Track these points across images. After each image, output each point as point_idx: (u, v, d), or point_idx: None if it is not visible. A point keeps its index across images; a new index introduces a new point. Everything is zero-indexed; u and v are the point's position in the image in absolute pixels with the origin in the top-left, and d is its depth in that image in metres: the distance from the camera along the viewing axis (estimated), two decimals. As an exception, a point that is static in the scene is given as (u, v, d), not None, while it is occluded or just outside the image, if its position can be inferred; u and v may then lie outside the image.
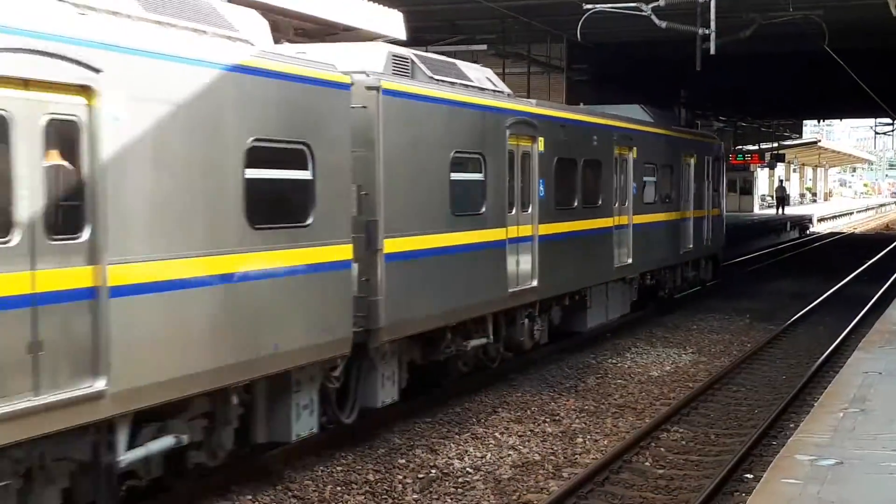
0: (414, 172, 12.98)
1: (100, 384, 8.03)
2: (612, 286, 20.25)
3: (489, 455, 12.34)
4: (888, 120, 60.44)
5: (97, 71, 8.03)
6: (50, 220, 7.69)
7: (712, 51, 21.31)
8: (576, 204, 18.07)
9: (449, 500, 10.73)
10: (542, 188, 16.49)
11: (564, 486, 10.88)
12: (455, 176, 13.93)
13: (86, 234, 8.01)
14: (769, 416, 13.92)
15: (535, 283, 16.23)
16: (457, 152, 13.98)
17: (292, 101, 10.47)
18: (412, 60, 13.54)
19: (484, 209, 14.68)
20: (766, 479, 8.78)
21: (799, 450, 9.50)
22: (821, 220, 64.77)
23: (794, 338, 21.44)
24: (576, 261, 17.95)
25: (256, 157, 9.91)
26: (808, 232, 57.55)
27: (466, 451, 12.45)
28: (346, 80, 11.36)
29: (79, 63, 7.88)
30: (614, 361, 18.43)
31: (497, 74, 26.73)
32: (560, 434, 13.38)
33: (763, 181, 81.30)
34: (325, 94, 11.01)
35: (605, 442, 13.06)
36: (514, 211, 15.61)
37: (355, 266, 11.66)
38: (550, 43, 28.73)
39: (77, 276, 7.93)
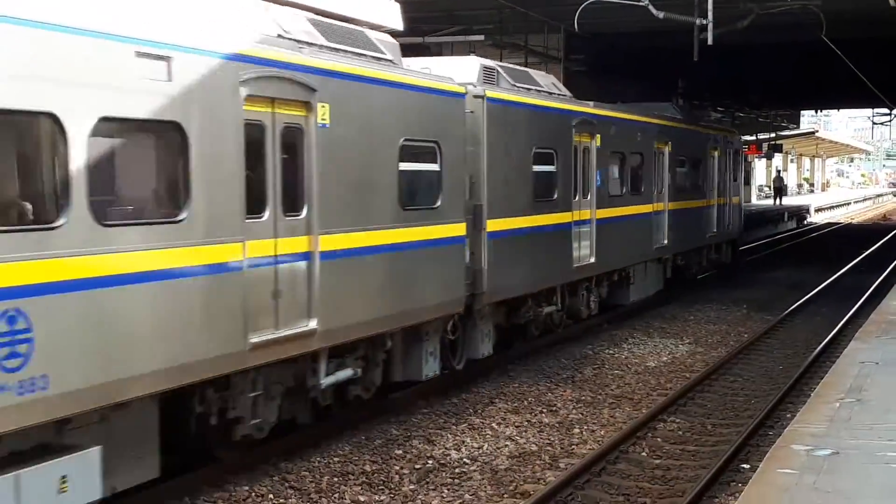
0: (507, 165, 15.73)
1: (312, 324, 10.92)
2: (650, 265, 23.02)
3: (486, 446, 12.36)
4: (886, 110, 60.39)
5: (313, 91, 10.96)
6: (286, 202, 10.58)
7: (710, 41, 21.28)
8: (623, 192, 20.80)
9: (446, 491, 10.74)
10: (598, 178, 19.22)
11: (561, 476, 10.89)
12: (535, 168, 16.73)
13: (304, 213, 10.92)
14: (766, 407, 13.95)
15: (593, 259, 18.96)
16: (537, 148, 16.78)
17: (427, 107, 13.38)
18: (497, 71, 16.27)
19: (556, 196, 17.48)
20: (763, 469, 8.80)
21: (795, 440, 9.52)
22: (818, 210, 64.80)
23: (791, 328, 21.46)
24: (623, 242, 20.62)
25: (405, 153, 12.80)
26: (805, 222, 57.56)
27: (463, 442, 12.47)
28: (462, 90, 14.34)
29: (303, 85, 10.81)
30: (611, 352, 18.45)
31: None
32: (557, 424, 13.39)
33: (760, 171, 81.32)
34: (448, 102, 13.99)
35: (602, 432, 13.08)
36: (577, 197, 18.35)
37: (467, 241, 14.50)
38: (548, 33, 28.66)
39: (300, 243, 10.86)
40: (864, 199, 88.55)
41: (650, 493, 10.79)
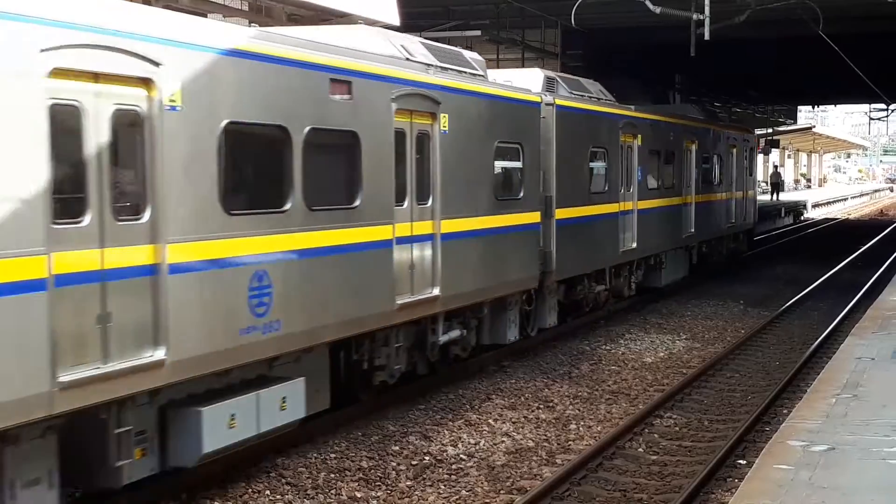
0: (570, 162, 18.21)
1: (435, 291, 13.45)
2: (679, 252, 25.39)
3: (483, 442, 12.36)
4: (882, 105, 60.40)
5: (438, 103, 13.39)
6: (420, 192, 13.14)
7: (706, 36, 21.28)
8: (659, 186, 23.12)
9: (442, 487, 10.74)
10: (639, 174, 21.49)
11: (558, 472, 10.90)
12: (591, 164, 19.30)
13: (430, 202, 13.36)
14: (762, 402, 13.95)
15: (634, 245, 21.26)
16: (592, 147, 19.24)
17: (513, 114, 15.87)
18: (556, 80, 18.74)
19: (606, 189, 19.93)
20: (759, 464, 8.80)
21: (791, 435, 9.52)
22: (815, 205, 64.84)
23: (788, 324, 21.47)
24: (659, 230, 23.09)
25: (498, 153, 15.31)
26: (802, 218, 57.60)
27: (460, 438, 12.46)
28: (538, 99, 16.98)
29: (431, 99, 13.25)
30: (608, 348, 18.45)
31: (491, 61, 26.69)
32: (554, 420, 13.40)
33: (758, 167, 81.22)
34: (528, 109, 16.56)
35: (599, 428, 13.08)
36: (622, 190, 20.66)
37: (540, 228, 16.89)
38: (545, 28, 28.64)
39: (427, 226, 13.40)
40: (861, 195, 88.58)
41: (647, 489, 10.79)
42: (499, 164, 15.45)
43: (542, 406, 14.12)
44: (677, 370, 16.75)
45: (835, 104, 74.58)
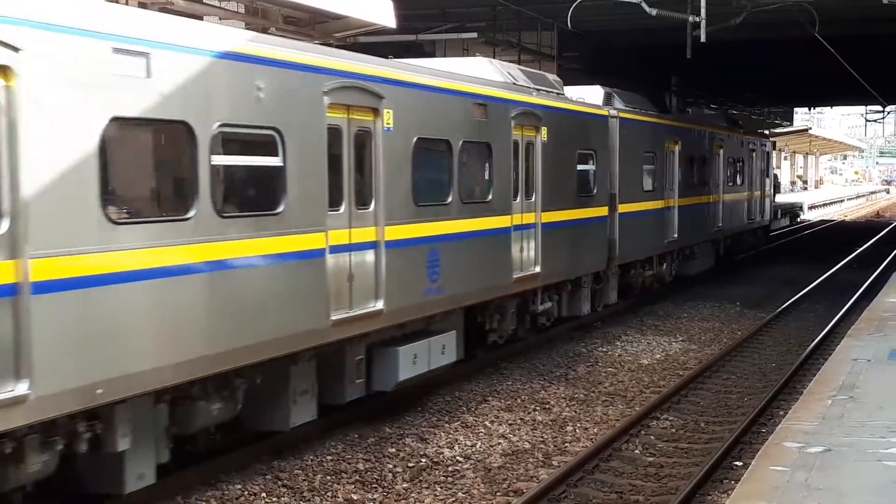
0: (629, 165, 21.40)
1: (537, 269, 16.64)
2: (707, 245, 28.55)
3: (479, 444, 12.35)
4: (879, 107, 60.49)
5: (539, 118, 16.62)
6: (527, 191, 16.39)
7: (703, 38, 21.28)
8: (694, 185, 26.36)
9: (439, 489, 10.74)
10: (679, 175, 24.79)
11: (554, 474, 10.89)
12: (645, 167, 22.57)
13: (534, 197, 16.75)
14: (759, 404, 13.96)
15: (675, 236, 24.56)
16: (644, 152, 22.57)
17: (589, 126, 19.23)
18: (613, 94, 21.76)
19: (654, 188, 23.11)
20: (755, 466, 8.80)
21: (787, 437, 9.53)
22: (812, 207, 64.87)
23: (784, 325, 21.48)
24: (693, 224, 26.10)
25: (579, 158, 18.62)
26: (799, 219, 57.64)
27: (456, 440, 12.46)
28: (607, 112, 20.45)
29: (536, 116, 16.51)
30: (605, 350, 18.45)
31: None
32: (550, 422, 13.40)
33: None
34: (599, 121, 19.96)
35: (595, 430, 13.08)
36: (666, 190, 23.98)
37: (608, 220, 20.12)
38: (541, 31, 28.64)
39: (532, 217, 16.61)
40: (858, 196, 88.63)
41: (643, 491, 10.79)
42: (580, 167, 18.80)
43: (538, 408, 14.12)
44: (674, 372, 16.75)
45: (831, 106, 74.69)
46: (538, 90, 17.21)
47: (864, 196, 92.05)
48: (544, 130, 16.95)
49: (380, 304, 12.18)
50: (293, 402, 11.29)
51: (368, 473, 11.13)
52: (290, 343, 10.68)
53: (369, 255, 12.11)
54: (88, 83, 8.28)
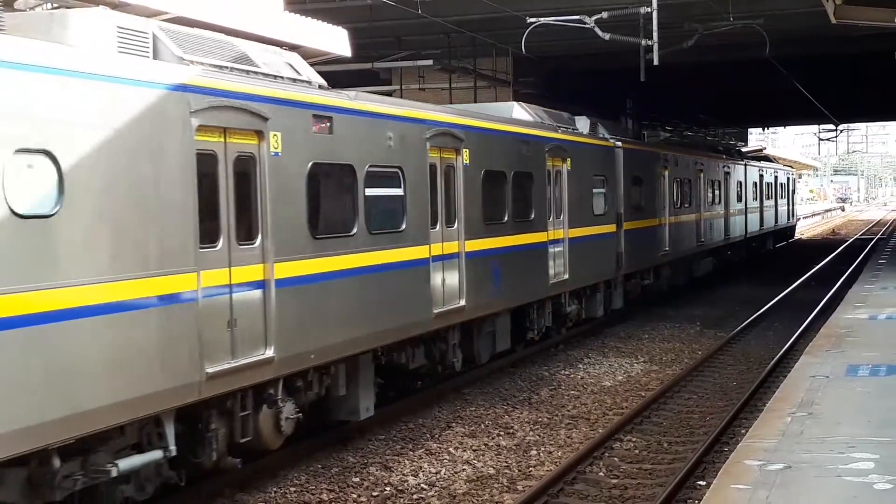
0: (632, 187, 24.71)
1: (566, 276, 20.05)
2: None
3: (444, 470, 12.34)
4: (831, 126, 61.24)
5: (565, 151, 20.28)
6: (555, 211, 19.81)
7: (655, 61, 21.50)
8: (680, 205, 29.25)
9: (404, 517, 10.70)
10: (668, 196, 27.88)
11: (519, 498, 10.89)
12: (642, 190, 25.63)
13: (563, 217, 20.12)
14: (720, 423, 14.04)
15: (667, 249, 27.74)
16: (641, 177, 25.60)
17: (602, 155, 22.92)
18: (598, 124, 24.23)
19: (649, 208, 26.22)
20: (716, 485, 8.85)
21: (748, 455, 9.58)
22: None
23: (744, 344, 21.65)
24: (680, 239, 29.19)
25: (594, 182, 22.14)
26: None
27: (421, 468, 12.43)
28: (613, 144, 23.67)
29: (563, 149, 20.06)
30: (567, 373, 18.50)
31: (444, 90, 26.84)
32: (514, 447, 13.40)
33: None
34: (609, 151, 23.49)
35: (559, 453, 13.10)
36: (658, 209, 27.13)
37: (615, 236, 23.26)
38: (496, 57, 28.83)
39: (560, 233, 19.98)
40: (813, 215, 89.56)
41: (608, 513, 10.81)
42: (595, 191, 22.08)
43: (502, 433, 14.13)
44: (636, 393, 16.82)
45: (784, 126, 75.46)
46: (559, 127, 20.69)
47: (819, 214, 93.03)
48: (569, 161, 20.40)
49: (461, 302, 15.92)
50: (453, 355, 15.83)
51: (333, 504, 11.08)
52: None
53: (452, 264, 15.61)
54: (301, 140, 11.69)
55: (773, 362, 18.33)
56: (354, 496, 11.34)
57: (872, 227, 75.13)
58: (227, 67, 10.83)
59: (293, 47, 13.22)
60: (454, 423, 14.57)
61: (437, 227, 14.90)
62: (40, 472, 8.45)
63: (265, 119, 10.89)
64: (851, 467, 9.07)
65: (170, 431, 9.62)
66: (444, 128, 15.13)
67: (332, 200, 12.47)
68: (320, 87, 12.55)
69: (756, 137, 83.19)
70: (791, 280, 33.02)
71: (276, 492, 11.39)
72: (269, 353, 10.79)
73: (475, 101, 26.53)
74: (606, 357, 20.12)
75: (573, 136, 21.08)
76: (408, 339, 14.17)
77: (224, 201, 10.31)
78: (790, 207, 52.27)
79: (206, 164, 10.08)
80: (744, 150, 49.44)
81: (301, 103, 11.68)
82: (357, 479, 11.92)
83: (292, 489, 11.51)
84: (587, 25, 21.48)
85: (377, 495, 11.39)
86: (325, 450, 12.90)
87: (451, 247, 15.32)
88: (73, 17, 9.53)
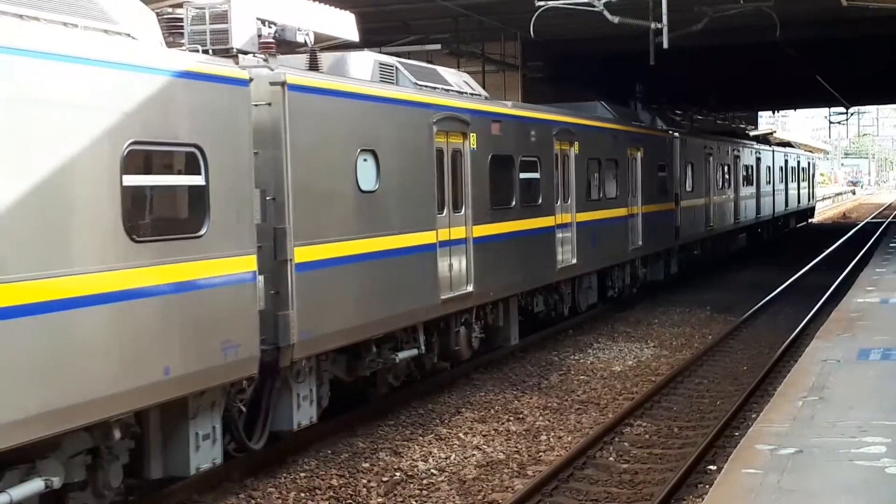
0: (685, 171, 28.61)
1: (640, 243, 23.90)
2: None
3: (453, 456, 12.32)
4: (842, 109, 60.94)
5: (640, 142, 24.22)
6: (632, 191, 23.83)
7: (665, 45, 21.37)
8: (720, 186, 32.99)
9: (414, 503, 10.70)
10: (712, 178, 31.54)
11: (529, 484, 10.88)
12: (691, 173, 29.33)
13: (630, 196, 23.58)
14: (731, 408, 14.00)
15: (712, 225, 31.77)
16: (691, 162, 29.43)
17: (663, 145, 26.90)
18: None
19: (697, 189, 29.93)
20: (727, 469, 8.82)
21: (759, 440, 9.55)
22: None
23: (754, 328, 21.58)
24: (721, 215, 33.03)
25: (660, 168, 26.22)
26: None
27: (430, 453, 12.42)
28: (671, 134, 27.39)
29: (636, 140, 24.09)
30: (577, 358, 18.47)
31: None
32: (524, 432, 13.38)
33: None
34: (668, 140, 27.23)
35: (569, 438, 13.08)
36: (703, 189, 30.73)
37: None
38: (504, 41, 28.68)
39: (636, 210, 23.92)
40: (824, 199, 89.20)
41: (618, 498, 10.79)
42: (660, 174, 25.90)
43: (512, 418, 14.10)
44: (646, 378, 16.78)
45: (795, 109, 75.17)
46: (632, 122, 24.92)
47: (829, 198, 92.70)
48: (641, 150, 24.19)
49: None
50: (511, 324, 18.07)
51: (343, 489, 11.07)
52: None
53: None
54: (486, 138, 16.11)
55: (783, 346, 18.27)
56: (364, 481, 11.33)
57: (883, 210, 74.87)
58: (436, 88, 15.13)
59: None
60: (464, 409, 14.56)
61: (559, 202, 19.36)
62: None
63: (468, 124, 15.53)
64: (863, 451, 9.04)
65: (420, 337, 14.40)
66: (563, 126, 19.56)
67: (501, 181, 16.86)
68: (486, 98, 17.23)
69: (766, 121, 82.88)
70: (801, 264, 32.91)
71: (286, 477, 11.39)
72: (470, 288, 15.36)
73: (482, 86, 26.44)
74: (616, 342, 20.08)
75: (643, 129, 24.99)
76: (538, 288, 18.85)
77: (447, 182, 14.89)
78: (810, 190, 56.39)
79: (439, 158, 14.61)
80: (767, 136, 52.27)
81: (486, 112, 16.33)
82: (367, 465, 11.91)
83: (302, 475, 11.51)
84: (596, 9, 21.35)
85: (387, 480, 11.38)
86: (334, 435, 12.89)
87: (565, 218, 19.67)
88: (352, 58, 14.06)
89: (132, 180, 8.73)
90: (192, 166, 9.52)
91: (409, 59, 16.41)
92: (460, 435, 13.21)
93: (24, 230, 7.70)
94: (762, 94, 51.62)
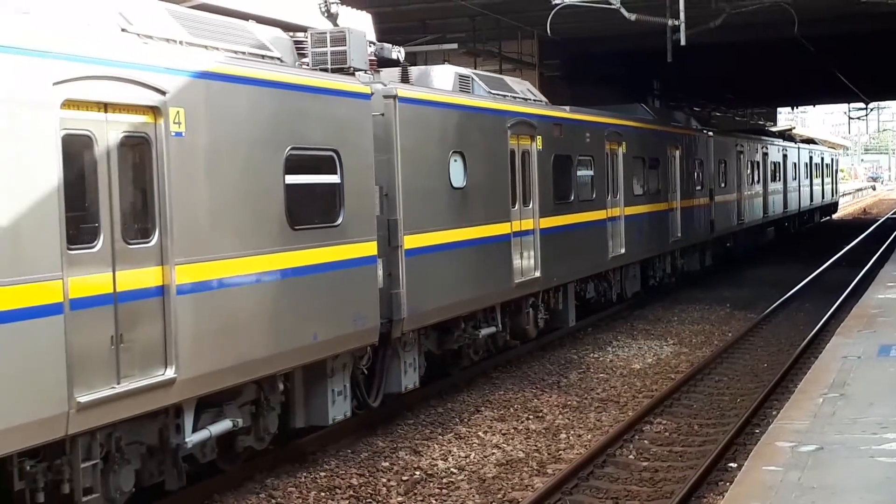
0: (718, 167, 30.31)
1: (679, 235, 25.87)
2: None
3: (473, 454, 12.33)
4: (861, 104, 60.64)
5: (678, 140, 25.96)
6: (677, 187, 25.92)
7: (682, 42, 21.31)
8: (751, 182, 34.98)
9: (434, 502, 10.71)
10: (741, 174, 33.32)
11: (549, 482, 10.87)
12: (722, 169, 31.08)
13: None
14: (751, 405, 13.96)
15: (744, 218, 33.61)
16: (723, 160, 31.32)
17: (699, 143, 28.26)
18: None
19: (730, 184, 31.76)
20: (748, 466, 8.80)
21: (780, 437, 9.52)
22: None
23: (774, 325, 21.51)
24: (751, 209, 34.82)
25: (697, 165, 28.02)
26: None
27: (450, 452, 12.43)
28: (705, 133, 28.80)
29: (675, 139, 26.05)
30: (596, 356, 18.44)
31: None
32: (543, 430, 13.37)
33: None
34: (703, 139, 28.48)
35: (589, 437, 13.07)
36: (734, 185, 32.52)
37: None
38: (521, 39, 28.67)
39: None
40: (844, 195, 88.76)
41: (638, 496, 10.78)
42: (696, 172, 27.32)
43: (531, 416, 14.10)
44: (666, 376, 16.75)
45: (814, 105, 74.78)
46: (670, 122, 26.41)
47: (850, 194, 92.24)
48: (680, 148, 25.92)
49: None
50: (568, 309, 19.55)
51: (363, 489, 11.09)
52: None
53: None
54: (549, 140, 17.95)
55: (804, 343, 18.21)
56: (384, 480, 11.35)
57: (904, 206, 74.43)
58: (506, 96, 16.76)
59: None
60: (483, 408, 14.56)
61: (609, 197, 21.01)
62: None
63: (535, 128, 17.16)
64: (884, 448, 9.00)
65: (498, 316, 16.22)
66: (613, 128, 21.33)
67: (561, 179, 18.48)
68: (546, 103, 18.61)
69: (785, 117, 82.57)
70: (822, 260, 32.77)
71: (306, 476, 11.42)
72: (538, 274, 17.01)
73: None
74: (636, 340, 20.04)
75: (681, 129, 26.54)
76: (590, 276, 20.40)
77: (518, 179, 16.57)
78: (834, 185, 58.39)
79: (511, 158, 16.37)
80: (790, 133, 54.21)
81: (549, 116, 18.01)
82: (386, 464, 11.93)
83: (322, 474, 11.53)
84: (613, 6, 21.33)
85: (407, 479, 11.39)
86: (355, 433, 12.92)
87: (615, 212, 21.36)
88: (435, 71, 15.86)
89: (291, 179, 10.75)
90: (331, 167, 11.56)
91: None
92: (480, 434, 13.22)
93: (222, 222, 9.79)
94: (781, 91, 51.42)
